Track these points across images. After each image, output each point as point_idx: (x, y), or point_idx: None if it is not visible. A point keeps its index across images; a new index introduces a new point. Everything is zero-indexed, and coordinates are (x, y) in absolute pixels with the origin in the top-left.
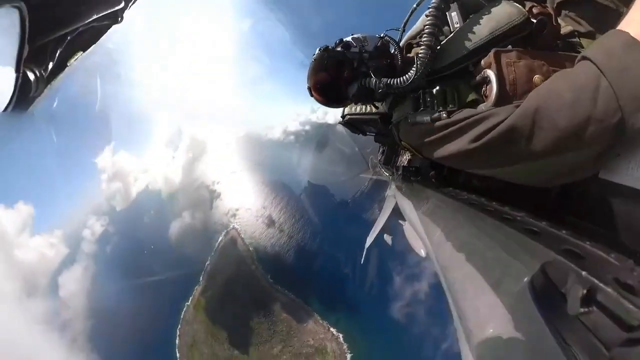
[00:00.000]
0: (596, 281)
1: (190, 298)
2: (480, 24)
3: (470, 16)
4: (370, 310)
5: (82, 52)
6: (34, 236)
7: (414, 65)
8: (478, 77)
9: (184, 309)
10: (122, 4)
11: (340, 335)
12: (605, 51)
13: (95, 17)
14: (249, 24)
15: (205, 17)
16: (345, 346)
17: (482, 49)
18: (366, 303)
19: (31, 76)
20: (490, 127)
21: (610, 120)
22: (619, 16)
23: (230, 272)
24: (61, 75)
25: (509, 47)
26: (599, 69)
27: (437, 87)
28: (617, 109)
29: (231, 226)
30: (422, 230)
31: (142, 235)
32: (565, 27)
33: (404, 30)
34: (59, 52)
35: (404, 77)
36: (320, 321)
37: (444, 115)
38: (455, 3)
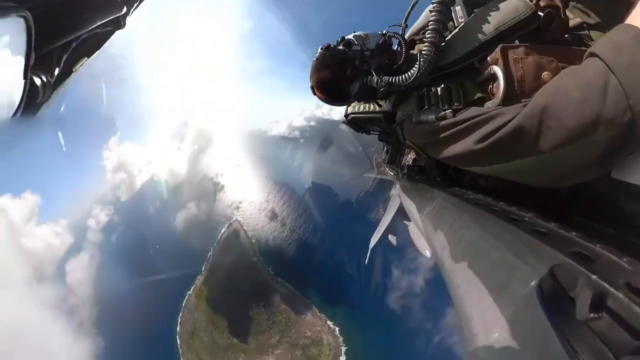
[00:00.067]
0: (607, 285)
1: (192, 287)
2: (485, 19)
3: (475, 10)
4: (366, 305)
5: (86, 58)
6: (40, 225)
7: (417, 63)
8: (484, 74)
9: (186, 298)
10: (124, 10)
11: (337, 329)
12: (614, 47)
13: (98, 23)
14: (250, 25)
15: (205, 18)
16: (340, 339)
17: (488, 45)
18: (363, 299)
19: (38, 82)
20: (496, 127)
21: (620, 119)
22: (629, 7)
23: (232, 263)
24: (67, 81)
25: (516, 42)
26: (607, 65)
27: (442, 85)
28: (626, 107)
29: (234, 218)
30: (427, 230)
31: (147, 226)
32: (574, 19)
33: (406, 26)
34: (64, 58)
35: (406, 75)
36: (318, 314)
37: (449, 114)
38: None
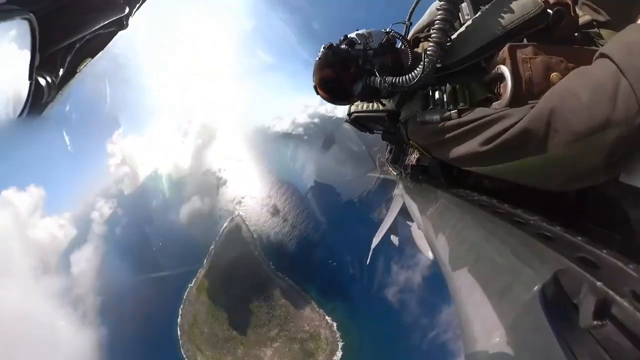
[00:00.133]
0: (612, 293)
1: (194, 280)
2: (492, 17)
3: (482, 8)
4: (364, 302)
5: (90, 59)
6: (45, 217)
7: (421, 63)
8: (491, 74)
9: (187, 290)
10: (127, 11)
11: (335, 324)
12: (626, 48)
13: (101, 24)
14: (253, 23)
15: (207, 17)
16: (338, 334)
17: (495, 44)
18: (361, 295)
19: (43, 83)
20: (502, 129)
21: (631, 122)
22: None
23: (233, 256)
24: (71, 81)
25: (524, 41)
26: (618, 67)
27: (447, 84)
28: (638, 111)
29: (236, 213)
30: (429, 231)
31: (149, 219)
32: (583, 17)
33: (410, 24)
34: (68, 59)
35: (410, 75)
36: (317, 309)
37: (455, 114)
38: None
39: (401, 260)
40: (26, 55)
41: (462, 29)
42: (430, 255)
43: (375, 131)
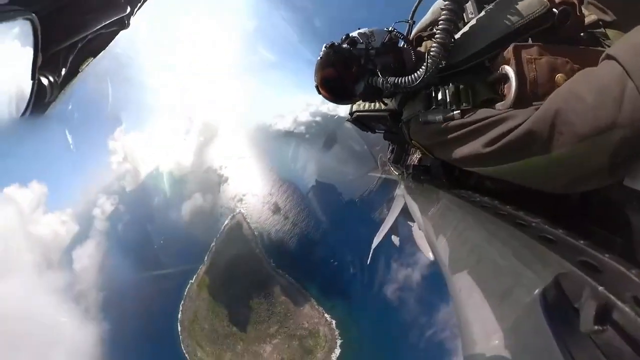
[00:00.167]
0: (613, 298)
1: (195, 276)
2: (497, 16)
3: (486, 6)
4: (363, 301)
5: (92, 58)
6: (47, 214)
7: (424, 63)
8: (495, 74)
9: (188, 286)
10: (128, 10)
11: (334, 322)
12: (632, 49)
13: (103, 24)
14: (254, 22)
15: (208, 16)
16: (336, 332)
17: (499, 43)
18: (360, 294)
19: (46, 83)
20: (506, 130)
21: (637, 125)
22: None
23: (234, 253)
24: (74, 81)
25: (529, 41)
26: (624, 69)
27: (451, 84)
28: None
29: (237, 210)
30: (430, 231)
31: (151, 216)
32: (589, 17)
33: (413, 22)
34: (70, 59)
35: (412, 76)
36: (316, 306)
37: (458, 114)
38: None
39: (401, 258)
40: (29, 55)
41: (466, 28)
42: (431, 256)
43: (377, 130)
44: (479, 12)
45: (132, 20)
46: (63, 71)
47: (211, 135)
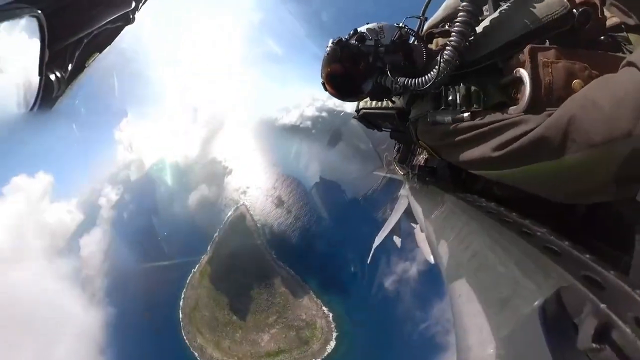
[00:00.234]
0: (614, 317)
1: (197, 265)
2: (514, 15)
3: (502, 4)
4: (361, 297)
5: (98, 53)
6: (54, 202)
7: (436, 66)
8: (508, 77)
9: (190, 275)
10: (133, 5)
11: (331, 315)
12: None
13: (108, 19)
14: (260, 16)
15: (213, 10)
16: (333, 325)
17: (515, 44)
18: (358, 291)
19: (53, 78)
20: (517, 135)
21: None
22: None
23: (236, 244)
24: (80, 76)
25: (547, 43)
26: None
27: (461, 85)
28: None
29: (241, 202)
30: (432, 234)
31: (155, 206)
32: (611, 19)
33: (425, 19)
34: (77, 54)
35: (423, 79)
36: (315, 299)
37: (467, 116)
38: None
39: (401, 256)
40: (36, 52)
41: (481, 27)
42: (432, 259)
43: (383, 129)
44: (495, 9)
45: (137, 15)
46: (70, 66)
47: (216, 128)
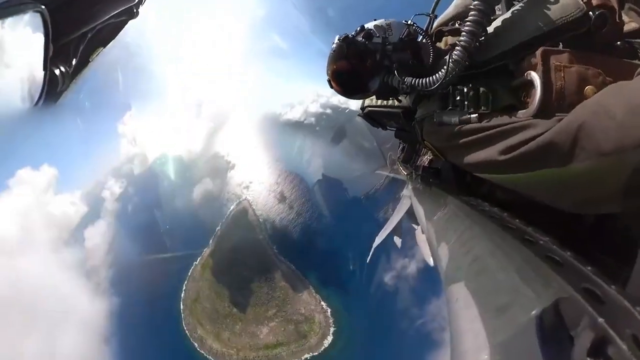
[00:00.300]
0: (611, 332)
1: (199, 258)
2: (527, 16)
3: (515, 4)
4: (359, 294)
5: (102, 48)
6: (58, 195)
7: (445, 66)
8: (519, 79)
9: (192, 267)
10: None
11: (329, 310)
12: None
13: (111, 14)
14: (265, 10)
15: (217, 4)
16: (331, 320)
17: (527, 46)
18: (357, 288)
19: (57, 73)
20: (525, 139)
21: None
22: None
23: (238, 238)
24: (85, 70)
25: (560, 46)
26: None
27: (470, 85)
28: None
29: (244, 197)
30: (433, 237)
31: (158, 199)
32: (630, 24)
33: (435, 16)
34: (81, 49)
35: (431, 79)
36: (314, 294)
37: (475, 118)
38: None
39: (400, 252)
40: (40, 47)
41: (493, 26)
42: (432, 261)
43: (388, 127)
44: (507, 9)
45: (141, 9)
46: (74, 61)
47: (220, 123)
